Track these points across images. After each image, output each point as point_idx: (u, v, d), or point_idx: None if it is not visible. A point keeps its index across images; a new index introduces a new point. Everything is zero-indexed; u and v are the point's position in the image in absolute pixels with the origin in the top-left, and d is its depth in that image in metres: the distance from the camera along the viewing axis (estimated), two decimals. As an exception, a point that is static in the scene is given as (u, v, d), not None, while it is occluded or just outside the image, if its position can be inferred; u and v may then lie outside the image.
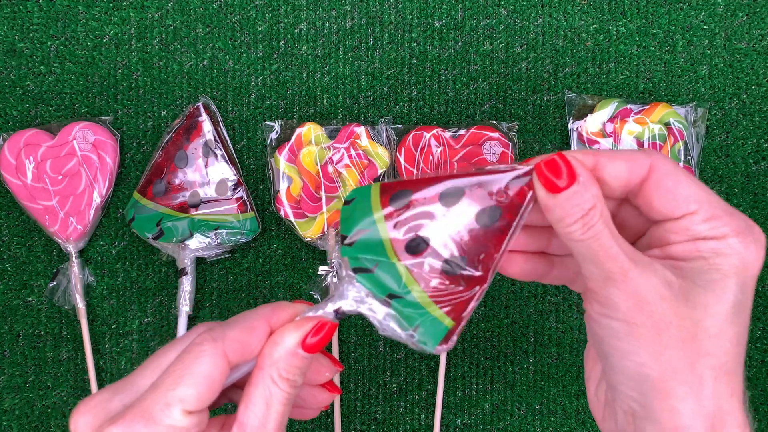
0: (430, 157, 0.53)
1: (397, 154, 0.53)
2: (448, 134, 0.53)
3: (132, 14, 0.55)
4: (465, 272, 0.31)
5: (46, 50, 0.54)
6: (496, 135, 0.53)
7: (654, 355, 0.30)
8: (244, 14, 0.55)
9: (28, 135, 0.53)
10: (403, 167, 0.53)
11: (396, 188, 0.32)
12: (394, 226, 0.31)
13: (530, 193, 0.32)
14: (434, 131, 0.53)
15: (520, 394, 0.55)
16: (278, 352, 0.31)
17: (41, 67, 0.55)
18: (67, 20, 0.54)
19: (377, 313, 0.32)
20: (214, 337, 0.30)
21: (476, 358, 0.55)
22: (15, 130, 0.53)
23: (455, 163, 0.52)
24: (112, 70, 0.55)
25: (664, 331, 0.30)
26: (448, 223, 0.31)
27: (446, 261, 0.31)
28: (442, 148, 0.53)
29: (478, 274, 0.31)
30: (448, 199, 0.31)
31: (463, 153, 0.53)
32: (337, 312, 0.32)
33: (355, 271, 0.32)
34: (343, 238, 0.32)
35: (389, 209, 0.31)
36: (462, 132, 0.53)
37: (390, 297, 0.32)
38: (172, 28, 0.55)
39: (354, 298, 0.32)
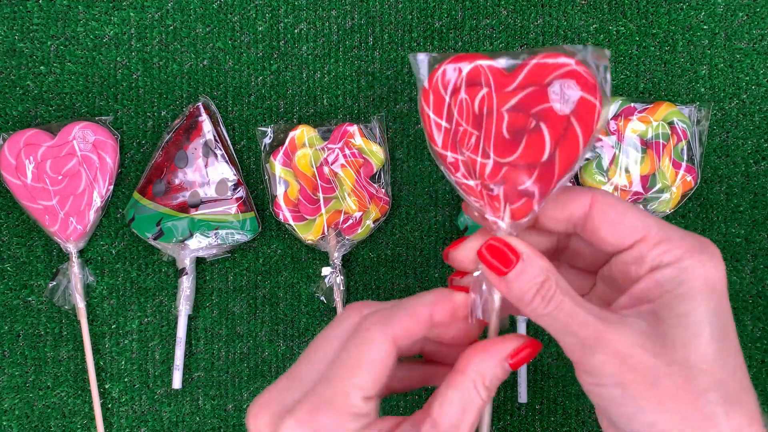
0: (468, 104, 0.34)
1: (423, 102, 0.34)
2: (500, 65, 0.33)
3: (132, 14, 0.55)
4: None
5: (46, 50, 0.54)
6: (571, 65, 0.32)
7: (658, 410, 0.29)
8: (244, 14, 0.55)
9: (28, 135, 0.53)
10: (431, 120, 0.34)
11: None
12: None
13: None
14: (478, 62, 0.33)
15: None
16: (487, 361, 0.32)
17: (41, 67, 0.55)
18: (67, 20, 0.54)
19: None
20: (383, 323, 0.31)
21: (476, 358, 0.55)
22: (15, 130, 0.53)
23: (505, 114, 0.33)
24: (112, 70, 0.55)
25: (656, 382, 0.29)
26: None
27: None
28: (487, 89, 0.33)
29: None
30: None
31: (520, 98, 0.33)
32: None
33: None
34: None
35: None
36: (520, 61, 0.33)
37: None
38: (172, 28, 0.55)
39: None
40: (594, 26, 0.55)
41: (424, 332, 0.32)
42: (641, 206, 0.54)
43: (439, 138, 0.33)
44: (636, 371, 0.29)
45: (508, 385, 0.55)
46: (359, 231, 0.53)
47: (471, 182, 0.34)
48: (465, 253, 0.34)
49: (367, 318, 0.31)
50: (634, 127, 0.53)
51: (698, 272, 0.30)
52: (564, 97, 0.32)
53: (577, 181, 0.54)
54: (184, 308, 0.53)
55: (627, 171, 0.52)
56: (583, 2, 0.55)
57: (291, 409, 0.30)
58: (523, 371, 0.54)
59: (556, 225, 0.33)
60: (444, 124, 0.33)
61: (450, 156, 0.34)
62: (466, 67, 0.33)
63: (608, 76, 0.32)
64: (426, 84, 0.33)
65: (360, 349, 0.30)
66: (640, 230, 0.31)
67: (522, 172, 0.33)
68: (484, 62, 0.33)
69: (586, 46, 0.32)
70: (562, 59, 0.32)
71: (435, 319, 0.32)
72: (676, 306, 0.30)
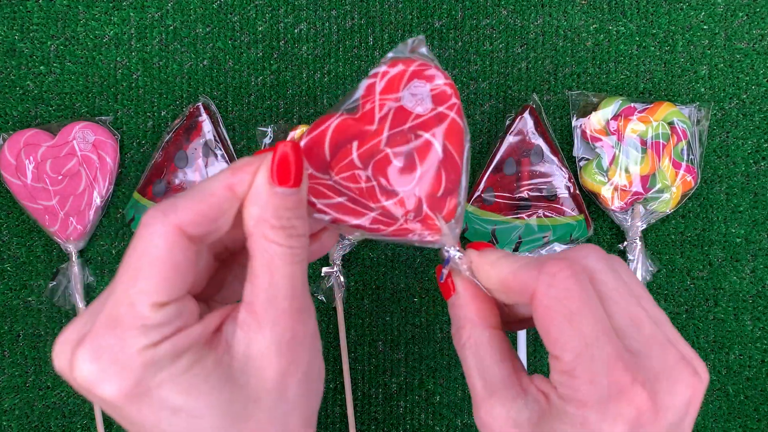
0: (349, 166, 0.32)
1: (310, 200, 0.31)
2: (346, 114, 0.32)
3: (132, 14, 0.55)
4: None
5: (46, 50, 0.54)
6: (402, 68, 0.32)
7: None
8: (244, 14, 0.55)
9: (28, 135, 0.53)
10: (326, 207, 0.32)
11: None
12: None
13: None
14: (328, 126, 0.32)
15: (521, 394, 0.55)
16: (255, 203, 0.27)
17: (41, 67, 0.55)
18: (67, 20, 0.54)
19: None
20: (164, 212, 0.26)
21: (476, 358, 0.55)
22: (15, 130, 0.53)
23: (386, 149, 0.32)
24: (112, 70, 0.55)
25: None
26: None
27: None
28: (357, 141, 0.32)
29: None
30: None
31: (388, 130, 0.32)
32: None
33: None
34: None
35: None
36: (360, 100, 0.32)
37: None
38: (172, 28, 0.55)
39: None
40: (594, 26, 0.55)
41: (226, 212, 0.27)
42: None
43: (350, 217, 0.31)
44: None
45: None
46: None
47: (398, 222, 0.32)
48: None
49: (150, 210, 0.26)
50: (634, 127, 0.53)
51: (593, 425, 0.27)
52: (418, 98, 0.32)
53: (577, 181, 0.54)
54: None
55: (627, 171, 0.53)
56: (583, 2, 0.55)
57: (83, 336, 0.26)
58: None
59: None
60: (339, 200, 0.31)
61: (365, 220, 0.32)
62: (324, 139, 0.31)
63: (430, 54, 0.33)
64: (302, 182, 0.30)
65: (139, 248, 0.25)
66: (564, 349, 0.27)
67: (432, 181, 0.32)
68: (333, 123, 0.31)
69: (399, 45, 0.33)
70: (393, 70, 0.32)
71: (238, 191, 0.27)
72: (563, 425, 0.28)
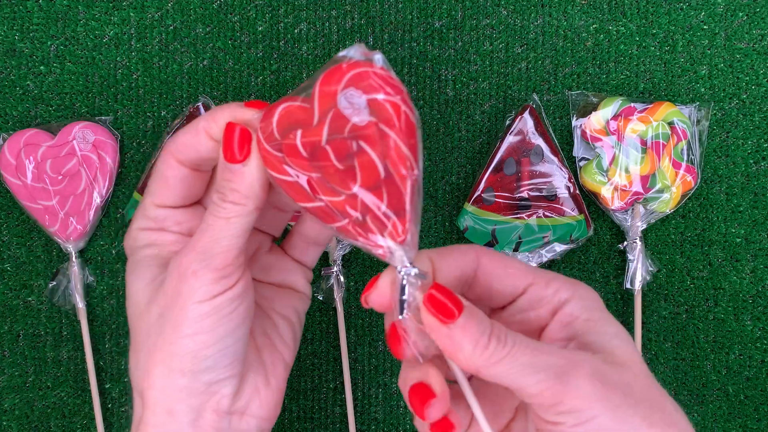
0: (294, 151, 0.31)
1: (267, 170, 0.33)
2: (297, 102, 0.31)
3: (132, 14, 0.55)
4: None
5: (46, 50, 0.54)
6: (343, 71, 0.30)
7: (650, 426, 0.29)
8: (244, 14, 0.55)
9: (28, 135, 0.53)
10: (282, 182, 0.33)
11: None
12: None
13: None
14: (279, 108, 0.31)
15: (521, 394, 0.55)
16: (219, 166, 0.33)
17: (41, 67, 0.55)
18: (67, 20, 0.54)
19: None
20: (170, 140, 0.36)
21: (476, 358, 0.55)
22: (15, 130, 0.53)
23: (327, 147, 0.31)
24: (112, 70, 0.55)
25: (637, 398, 0.29)
26: None
27: None
28: (301, 129, 0.31)
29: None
30: None
31: (327, 126, 0.30)
32: None
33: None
34: None
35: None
36: (311, 89, 0.31)
37: None
38: (172, 28, 0.55)
39: None
40: (594, 26, 0.55)
41: (204, 142, 0.34)
42: (641, 206, 0.54)
43: (299, 199, 0.31)
44: (617, 388, 0.28)
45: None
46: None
47: (343, 221, 0.31)
48: (381, 291, 0.31)
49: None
50: (634, 127, 0.53)
51: (594, 297, 0.33)
52: (355, 108, 0.29)
53: (577, 181, 0.54)
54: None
55: (627, 171, 0.53)
56: (583, 2, 0.55)
57: None
58: None
59: (450, 285, 0.31)
60: (289, 179, 0.31)
61: (310, 206, 0.31)
62: (271, 121, 0.31)
63: (385, 63, 0.29)
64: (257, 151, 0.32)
65: (155, 167, 0.36)
66: (527, 276, 0.32)
67: (373, 196, 0.30)
68: (281, 106, 0.31)
69: (352, 46, 0.30)
70: (332, 74, 0.29)
71: (213, 135, 0.33)
72: (603, 328, 0.31)
